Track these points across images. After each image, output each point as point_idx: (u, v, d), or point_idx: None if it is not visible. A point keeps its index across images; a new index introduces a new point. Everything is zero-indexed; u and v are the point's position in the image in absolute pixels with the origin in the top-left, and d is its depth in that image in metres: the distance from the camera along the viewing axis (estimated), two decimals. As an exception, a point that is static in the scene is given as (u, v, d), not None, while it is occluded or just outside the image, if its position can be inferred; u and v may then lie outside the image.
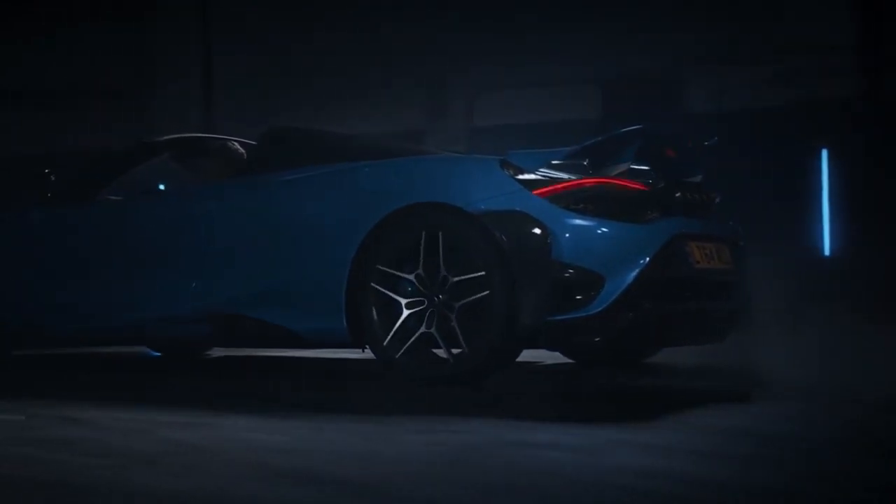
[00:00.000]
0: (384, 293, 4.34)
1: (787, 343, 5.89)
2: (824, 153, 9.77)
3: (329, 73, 11.30)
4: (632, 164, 4.47)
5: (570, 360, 5.51)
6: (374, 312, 4.36)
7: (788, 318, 6.45)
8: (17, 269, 5.59)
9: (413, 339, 4.28)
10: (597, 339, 4.20)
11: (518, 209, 4.18)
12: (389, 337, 4.32)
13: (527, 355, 5.09)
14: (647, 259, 4.17)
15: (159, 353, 6.70)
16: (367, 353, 4.53)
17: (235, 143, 5.72)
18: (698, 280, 4.47)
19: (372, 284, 4.35)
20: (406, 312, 4.30)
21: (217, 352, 6.74)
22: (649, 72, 10.58)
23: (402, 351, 4.30)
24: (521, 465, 2.86)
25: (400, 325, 4.30)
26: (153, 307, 5.07)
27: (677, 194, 4.59)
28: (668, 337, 4.81)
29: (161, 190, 5.64)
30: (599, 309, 4.10)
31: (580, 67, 10.67)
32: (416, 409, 3.93)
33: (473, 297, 4.17)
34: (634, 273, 4.14)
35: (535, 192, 4.22)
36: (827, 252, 9.75)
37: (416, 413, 3.81)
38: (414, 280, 4.31)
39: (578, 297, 4.10)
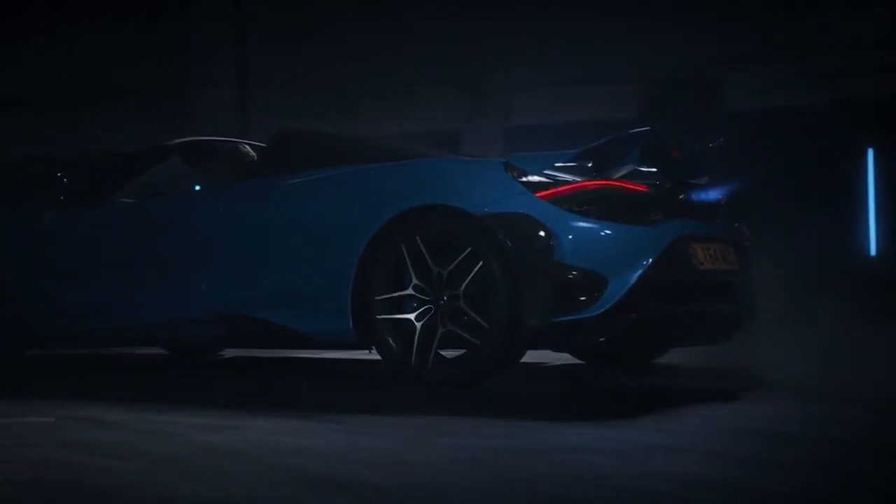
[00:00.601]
0: (392, 319, 4.44)
1: (819, 344, 5.85)
2: (870, 152, 9.64)
3: (364, 74, 11.26)
4: (636, 166, 4.52)
5: (579, 361, 5.56)
6: (391, 340, 4.46)
7: (826, 317, 6.38)
8: (31, 271, 5.72)
9: (407, 333, 4.40)
10: (601, 340, 4.25)
11: (521, 211, 4.26)
12: (383, 297, 4.44)
13: (537, 356, 5.39)
14: (650, 260, 4.25)
15: (170, 354, 6.81)
16: (374, 354, 4.60)
17: (247, 146, 5.83)
18: (702, 281, 4.53)
19: (402, 245, 4.42)
20: (419, 326, 4.39)
21: (229, 352, 6.80)
22: (687, 71, 10.48)
23: (412, 354, 4.41)
24: (558, 471, 2.80)
25: (401, 315, 4.42)
26: (163, 308, 5.18)
27: (681, 196, 4.68)
28: (673, 337, 4.90)
29: (172, 192, 5.70)
30: (602, 310, 4.17)
31: (617, 67, 10.59)
32: (439, 409, 3.93)
33: (471, 276, 4.26)
34: (637, 274, 4.21)
35: (538, 194, 4.29)
36: (873, 252, 9.62)
37: (441, 414, 3.80)
38: (413, 293, 4.42)
39: (581, 299, 4.18)
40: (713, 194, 4.90)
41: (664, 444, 3.17)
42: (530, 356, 4.68)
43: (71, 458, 2.97)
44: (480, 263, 4.27)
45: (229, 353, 6.79)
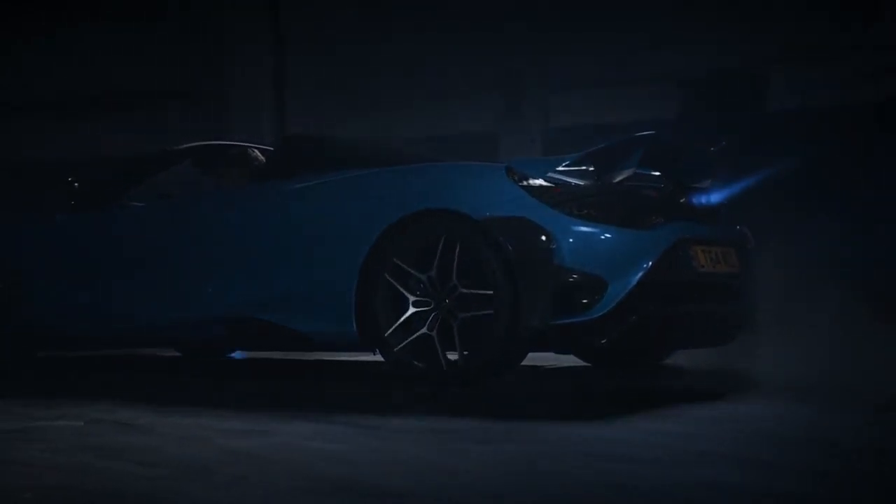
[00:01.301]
0: (395, 286, 4.53)
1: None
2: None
3: (401, 75, 11.28)
4: (637, 169, 4.60)
5: (585, 363, 5.65)
6: (382, 303, 4.56)
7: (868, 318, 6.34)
8: (41, 273, 5.86)
9: (413, 337, 4.49)
10: (602, 342, 4.35)
11: (523, 215, 4.34)
12: (392, 329, 4.53)
13: (546, 359, 5.53)
14: (650, 263, 4.34)
15: (181, 354, 6.92)
16: (379, 357, 4.67)
17: (256, 150, 5.97)
18: (703, 283, 4.63)
19: (385, 275, 4.54)
20: (412, 310, 4.50)
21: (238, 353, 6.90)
22: (730, 70, 10.39)
23: (401, 346, 4.51)
24: (590, 478, 2.80)
25: (404, 321, 4.50)
26: (170, 310, 5.31)
27: (682, 199, 4.80)
28: (674, 339, 5.02)
29: (179, 196, 5.81)
30: (603, 312, 4.26)
31: (657, 66, 10.52)
32: (462, 412, 3.95)
33: (477, 289, 4.37)
34: (637, 277, 4.30)
35: (539, 198, 4.39)
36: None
37: (464, 417, 3.82)
38: (426, 281, 4.50)
39: (582, 301, 4.27)
40: (715, 197, 4.96)
41: (692, 449, 3.15)
42: (539, 359, 4.86)
43: (99, 464, 3.01)
44: (479, 265, 4.37)
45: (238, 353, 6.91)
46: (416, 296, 4.53)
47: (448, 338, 4.47)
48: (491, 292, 4.34)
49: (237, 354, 6.99)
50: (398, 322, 4.53)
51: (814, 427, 3.67)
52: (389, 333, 4.55)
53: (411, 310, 4.52)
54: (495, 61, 11.07)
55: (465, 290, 4.43)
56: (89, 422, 3.77)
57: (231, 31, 12.16)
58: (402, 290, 4.54)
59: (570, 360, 5.67)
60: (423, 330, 4.49)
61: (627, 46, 10.40)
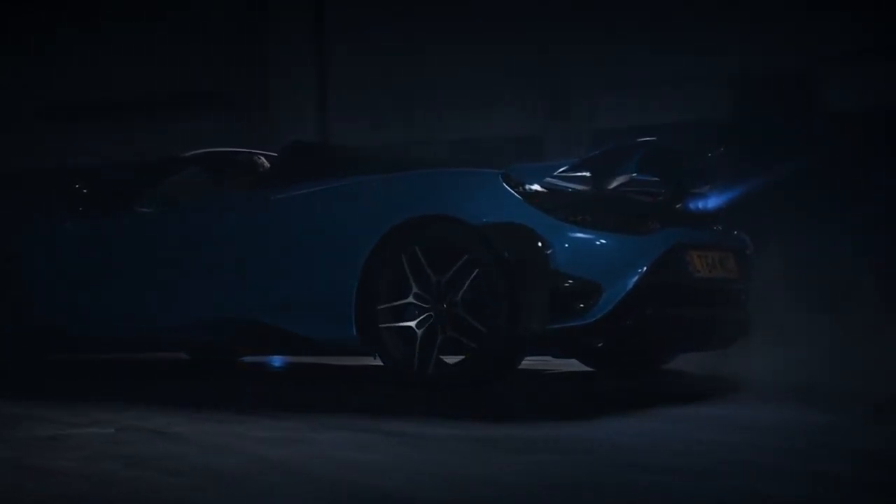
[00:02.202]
0: (405, 270, 4.62)
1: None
2: None
3: (446, 78, 11.20)
4: (635, 175, 4.70)
5: (587, 368, 5.71)
6: (395, 348, 4.67)
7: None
8: (51, 278, 6.02)
9: (408, 339, 4.61)
10: (599, 345, 4.55)
11: (519, 221, 4.44)
12: (386, 306, 4.65)
13: (551, 364, 5.62)
14: (645, 268, 4.44)
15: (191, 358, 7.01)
16: (379, 361, 4.78)
17: (261, 157, 6.11)
18: (699, 288, 4.73)
19: (402, 255, 4.63)
20: (419, 333, 4.60)
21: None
22: (781, 69, 10.22)
23: (413, 359, 4.61)
24: (631, 492, 2.72)
25: (404, 329, 4.63)
26: (176, 313, 5.45)
27: (679, 205, 4.89)
28: (672, 343, 5.12)
29: (185, 201, 5.96)
30: (598, 317, 4.37)
31: (707, 65, 10.35)
32: (493, 419, 3.94)
33: (468, 284, 4.47)
34: (632, 282, 4.41)
35: (535, 204, 4.49)
36: None
37: (495, 423, 3.80)
38: (414, 301, 4.62)
39: (578, 306, 4.37)
40: (712, 203, 5.04)
41: (731, 459, 3.08)
42: (542, 363, 4.98)
43: (128, 473, 2.97)
44: (477, 271, 4.46)
45: (251, 357, 6.99)
46: (414, 299, 4.63)
47: (444, 343, 4.57)
48: (484, 330, 4.44)
49: (276, 360, 6.98)
50: (393, 322, 4.64)
51: (824, 431, 3.68)
52: (381, 309, 4.66)
53: (409, 299, 4.62)
54: (540, 62, 10.97)
55: (460, 298, 4.53)
56: (120, 429, 3.74)
57: (274, 32, 12.17)
58: (410, 277, 4.62)
59: (572, 365, 5.73)
60: (412, 324, 4.61)
61: (678, 44, 10.24)
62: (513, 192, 4.54)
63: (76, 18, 12.66)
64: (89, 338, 5.96)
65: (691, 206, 4.96)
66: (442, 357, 4.60)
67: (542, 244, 4.38)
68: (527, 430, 3.71)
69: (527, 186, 4.55)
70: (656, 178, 4.87)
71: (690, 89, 10.46)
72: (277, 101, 12.08)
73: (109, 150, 11.75)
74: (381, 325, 4.65)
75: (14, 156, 12.51)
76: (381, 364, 4.76)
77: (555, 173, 4.60)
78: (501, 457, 3.19)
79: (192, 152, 6.20)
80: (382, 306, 4.67)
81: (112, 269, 5.80)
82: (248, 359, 7.01)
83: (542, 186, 4.56)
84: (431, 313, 4.59)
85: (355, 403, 4.69)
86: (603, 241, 4.45)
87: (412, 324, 4.61)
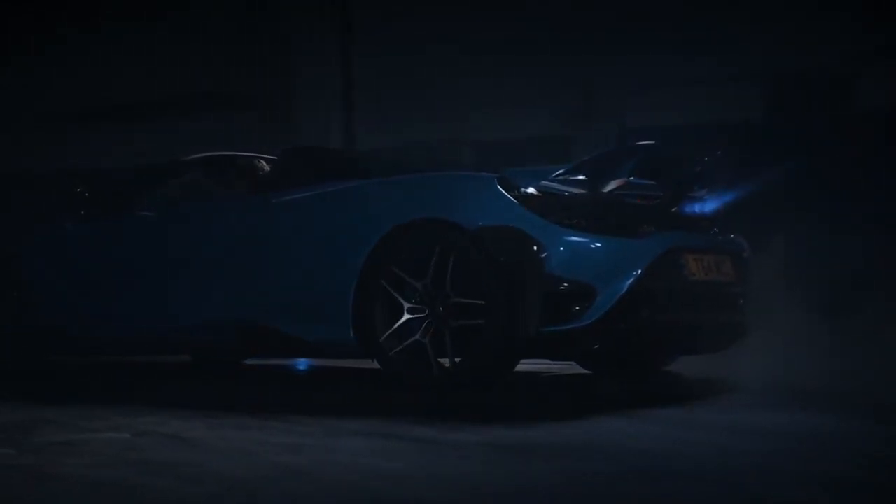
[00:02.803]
0: (391, 293, 4.71)
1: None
2: None
3: (472, 77, 11.10)
4: (630, 179, 4.79)
5: (586, 371, 5.74)
6: (379, 308, 4.74)
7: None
8: (52, 279, 6.10)
9: (405, 344, 4.68)
10: (595, 347, 4.63)
11: (514, 225, 4.51)
12: (387, 335, 4.71)
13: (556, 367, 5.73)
14: (639, 271, 4.50)
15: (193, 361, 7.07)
16: (377, 364, 4.83)
17: (262, 161, 6.22)
18: (695, 292, 4.79)
19: (382, 282, 4.72)
20: (406, 316, 4.69)
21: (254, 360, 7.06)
22: (818, 68, 10.06)
23: (395, 352, 4.70)
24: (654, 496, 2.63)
25: (399, 326, 4.69)
26: (176, 316, 5.53)
27: (674, 208, 4.96)
28: (667, 347, 5.19)
29: (186, 205, 6.01)
30: (593, 320, 4.44)
31: (741, 64, 10.20)
32: (514, 423, 3.89)
33: (470, 296, 4.54)
34: (626, 285, 4.47)
35: (530, 207, 4.55)
36: None
37: (519, 427, 3.75)
38: (420, 289, 4.67)
39: (572, 309, 4.44)
40: (709, 206, 5.11)
41: (722, 461, 3.05)
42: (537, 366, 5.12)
43: (140, 480, 2.92)
44: (473, 274, 4.53)
45: (258, 361, 7.05)
46: (412, 303, 4.69)
47: (441, 345, 4.63)
48: (482, 302, 4.50)
49: (301, 364, 6.92)
50: (392, 328, 4.70)
51: (821, 432, 3.70)
52: (384, 339, 4.72)
53: (406, 316, 4.68)
54: (569, 60, 10.84)
55: (457, 300, 4.59)
56: (137, 434, 3.68)
57: (297, 32, 12.13)
58: (397, 297, 4.70)
59: (570, 368, 5.75)
60: (416, 337, 4.67)
61: (710, 42, 10.08)
62: (508, 195, 4.60)
63: (84, 19, 12.66)
64: (89, 338, 6.02)
65: (688, 209, 5.04)
66: (440, 360, 4.66)
67: (537, 247, 4.45)
68: (549, 435, 3.63)
69: (522, 190, 4.62)
70: (653, 182, 4.94)
71: (723, 88, 10.32)
72: (301, 102, 12.02)
73: (126, 153, 11.73)
74: (390, 356, 4.72)
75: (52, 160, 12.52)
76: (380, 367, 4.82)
77: (550, 177, 4.69)
78: (526, 466, 3.11)
79: (194, 156, 6.30)
80: (395, 269, 4.72)
81: (112, 271, 5.89)
82: (252, 361, 7.03)
83: (537, 190, 4.64)
84: (426, 313, 4.66)
85: (370, 407, 4.61)
86: (597, 245, 4.52)
87: (406, 304, 4.68)
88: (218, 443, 3.49)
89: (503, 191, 4.62)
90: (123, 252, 5.89)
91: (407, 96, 11.34)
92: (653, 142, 4.84)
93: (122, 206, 6.08)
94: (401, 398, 4.71)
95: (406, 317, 4.68)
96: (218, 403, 4.69)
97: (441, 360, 4.67)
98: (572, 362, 5.67)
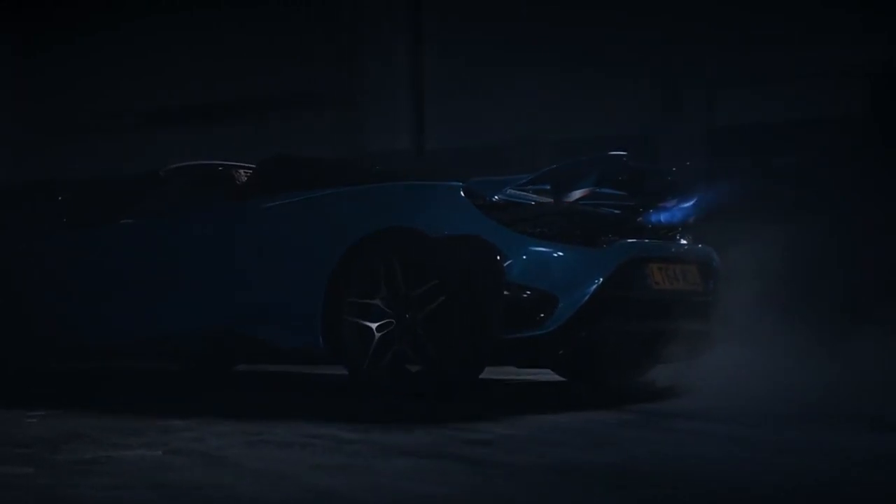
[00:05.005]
0: (357, 322, 4.86)
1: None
2: None
3: (545, 74, 10.74)
4: (598, 188, 4.99)
5: (561, 378, 5.84)
6: (352, 342, 4.87)
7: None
8: (39, 288, 6.27)
9: (388, 357, 4.80)
10: (560, 353, 4.77)
11: (477, 233, 4.66)
12: (368, 361, 4.83)
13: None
14: (600, 280, 4.63)
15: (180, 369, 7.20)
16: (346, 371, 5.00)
17: (240, 170, 6.39)
18: (659, 301, 4.91)
19: (345, 317, 4.89)
20: (377, 336, 4.83)
21: (256, 367, 7.13)
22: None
23: (378, 368, 4.82)
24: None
25: (367, 337, 4.83)
26: (157, 324, 5.68)
27: (640, 218, 5.13)
28: (632, 355, 5.27)
29: (165, 214, 6.13)
30: (554, 327, 4.58)
31: (840, 58, 9.73)
32: (565, 441, 3.74)
33: (435, 304, 4.67)
34: (587, 294, 4.61)
35: (493, 216, 4.72)
36: None
37: (574, 447, 3.57)
38: (380, 304, 4.84)
39: (534, 317, 4.58)
40: (677, 215, 5.22)
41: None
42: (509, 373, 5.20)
43: (160, 504, 2.68)
44: (436, 282, 4.68)
45: (264, 368, 7.11)
46: (379, 310, 4.83)
47: (408, 352, 4.77)
48: (447, 310, 4.64)
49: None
50: (359, 332, 4.84)
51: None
52: (351, 346, 4.87)
53: (372, 321, 4.83)
54: (652, 54, 10.43)
55: (423, 308, 4.72)
56: (168, 451, 3.47)
57: (367, 32, 11.95)
58: (366, 302, 4.86)
59: (546, 376, 5.86)
60: (382, 343, 4.80)
61: (805, 35, 9.64)
62: (472, 204, 4.76)
63: (150, 20, 12.64)
64: (78, 347, 6.19)
65: (654, 218, 5.18)
66: (406, 366, 4.81)
67: (500, 256, 4.58)
68: (607, 460, 3.37)
69: (486, 199, 4.78)
70: (620, 192, 5.13)
71: (818, 84, 9.84)
72: (370, 101, 11.83)
73: (191, 154, 11.65)
74: (345, 317, 4.85)
75: (117, 161, 12.52)
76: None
77: (515, 186, 4.87)
78: (584, 491, 2.85)
79: (175, 165, 6.43)
80: (353, 299, 4.87)
81: (95, 280, 6.03)
82: (242, 367, 7.08)
83: (501, 199, 4.81)
84: (393, 322, 4.81)
85: (418, 421, 4.22)
86: (559, 254, 4.66)
87: (373, 325, 4.82)
88: (254, 463, 3.26)
89: (468, 200, 4.79)
90: (103, 261, 6.05)
91: (479, 95, 11.04)
92: (621, 153, 4.92)
93: (105, 215, 6.22)
94: (456, 413, 4.46)
95: (377, 336, 4.82)
96: (258, 415, 4.49)
97: (408, 368, 4.81)
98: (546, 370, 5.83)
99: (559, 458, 3.38)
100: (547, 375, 5.88)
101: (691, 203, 5.24)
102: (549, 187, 4.94)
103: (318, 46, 12.08)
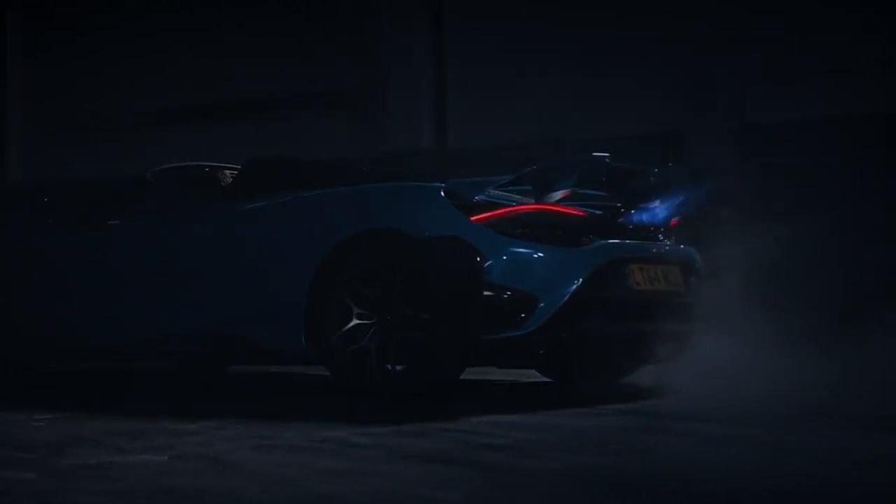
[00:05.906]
0: (342, 301, 4.94)
1: None
2: None
3: (571, 73, 10.63)
4: (577, 189, 5.04)
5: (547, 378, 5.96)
6: (335, 342, 4.97)
7: None
8: (27, 289, 6.38)
9: (370, 357, 4.89)
10: (540, 353, 4.87)
11: (457, 234, 4.74)
12: (335, 341, 4.93)
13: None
14: (580, 281, 4.72)
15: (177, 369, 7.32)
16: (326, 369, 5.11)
17: (226, 171, 6.50)
18: (639, 301, 4.98)
19: (328, 318, 4.97)
20: (355, 321, 4.93)
21: (260, 367, 7.23)
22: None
23: (360, 368, 4.92)
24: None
25: (348, 333, 4.93)
26: (146, 326, 5.78)
27: (621, 219, 5.18)
28: (612, 355, 5.34)
29: (152, 215, 6.21)
30: (534, 328, 4.66)
31: (880, 53, 9.44)
32: (583, 447, 3.71)
33: (417, 305, 4.77)
34: (567, 294, 4.68)
35: (474, 217, 4.80)
36: None
37: (577, 450, 3.56)
38: (362, 305, 4.93)
39: (514, 317, 4.66)
40: (659, 216, 5.29)
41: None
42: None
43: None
44: (418, 283, 4.78)
45: (269, 368, 7.16)
46: (361, 310, 4.93)
47: (389, 352, 4.87)
48: (428, 310, 4.73)
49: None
50: (341, 331, 4.93)
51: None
52: (333, 346, 4.96)
53: (354, 321, 4.92)
54: (680, 49, 10.19)
55: (404, 308, 4.83)
56: (174, 456, 3.50)
57: (388, 30, 11.91)
58: (348, 304, 4.94)
59: (532, 376, 5.94)
60: (364, 343, 4.90)
61: (844, 30, 9.38)
62: (453, 205, 4.84)
63: (169, 18, 12.64)
64: (77, 347, 6.34)
65: (636, 219, 5.24)
66: (388, 366, 4.89)
67: (480, 257, 4.66)
68: (609, 463, 3.39)
69: (467, 200, 4.86)
70: (602, 193, 5.18)
71: (857, 80, 9.55)
72: (392, 100, 11.79)
73: (213, 153, 11.63)
74: (337, 288, 4.95)
75: (117, 161, 12.52)
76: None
77: (496, 187, 4.93)
78: (583, 488, 2.86)
79: (162, 167, 6.52)
80: (336, 335, 4.96)
81: (82, 282, 6.13)
82: (236, 368, 7.18)
83: (481, 200, 4.87)
84: (375, 322, 4.90)
85: (431, 423, 4.27)
86: (539, 255, 4.74)
87: (355, 309, 4.90)
88: (260, 467, 3.29)
89: (448, 201, 4.87)
90: (91, 263, 6.14)
91: (502, 94, 10.97)
92: (603, 154, 4.98)
93: (92, 217, 6.30)
94: (456, 414, 4.49)
95: (354, 321, 4.91)
96: (266, 419, 4.52)
97: (390, 368, 4.88)
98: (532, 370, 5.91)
99: (562, 462, 3.40)
100: (538, 377, 5.95)
101: (674, 203, 5.30)
102: (530, 188, 5.00)
103: (338, 46, 12.04)
